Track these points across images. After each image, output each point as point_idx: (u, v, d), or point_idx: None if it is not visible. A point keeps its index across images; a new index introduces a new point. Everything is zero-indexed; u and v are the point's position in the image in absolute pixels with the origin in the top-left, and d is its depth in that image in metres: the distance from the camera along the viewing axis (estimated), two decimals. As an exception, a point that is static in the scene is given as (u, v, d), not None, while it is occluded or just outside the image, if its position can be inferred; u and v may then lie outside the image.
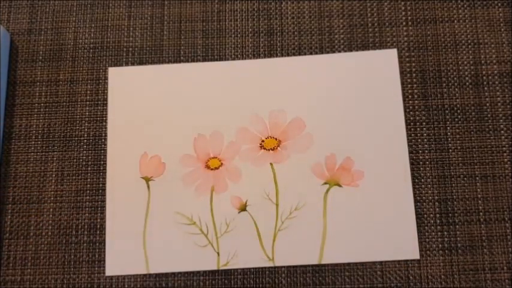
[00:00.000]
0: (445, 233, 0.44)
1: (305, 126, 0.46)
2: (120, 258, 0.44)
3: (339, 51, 0.48)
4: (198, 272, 0.44)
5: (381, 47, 0.48)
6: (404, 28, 0.49)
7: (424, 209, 0.44)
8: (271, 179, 0.45)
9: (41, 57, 0.49)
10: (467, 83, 0.47)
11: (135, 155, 0.46)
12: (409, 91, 0.47)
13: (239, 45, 0.49)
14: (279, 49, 0.49)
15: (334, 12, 0.50)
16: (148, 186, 0.46)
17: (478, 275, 0.43)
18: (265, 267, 0.44)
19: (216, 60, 0.49)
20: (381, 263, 0.43)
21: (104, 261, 0.44)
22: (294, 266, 0.44)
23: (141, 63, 0.49)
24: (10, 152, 0.47)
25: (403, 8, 0.49)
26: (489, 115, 0.46)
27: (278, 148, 0.46)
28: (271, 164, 0.46)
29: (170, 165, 0.46)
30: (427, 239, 0.44)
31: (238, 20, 0.50)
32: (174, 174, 0.46)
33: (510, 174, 0.45)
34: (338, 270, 0.43)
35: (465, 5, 0.49)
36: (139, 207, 0.45)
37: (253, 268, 0.44)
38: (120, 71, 0.49)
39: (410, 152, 0.46)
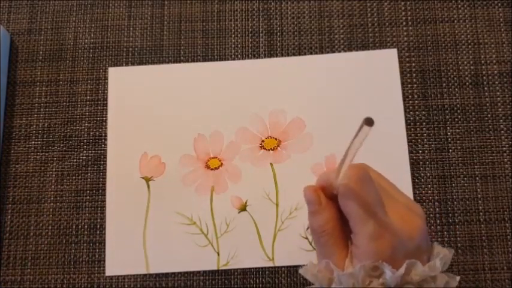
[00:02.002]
0: (445, 233, 0.44)
1: (305, 126, 0.46)
2: (120, 258, 0.44)
3: (339, 51, 0.48)
4: (198, 272, 0.44)
5: (381, 47, 0.48)
6: (404, 28, 0.49)
7: (424, 209, 0.44)
8: (271, 179, 0.45)
9: (41, 57, 0.49)
10: (467, 83, 0.47)
11: (135, 155, 0.46)
12: (409, 91, 0.47)
13: (239, 45, 0.49)
14: (279, 49, 0.49)
15: (334, 12, 0.50)
16: (148, 186, 0.46)
17: (478, 275, 0.43)
18: (265, 267, 0.44)
19: (216, 60, 0.49)
20: (381, 263, 0.43)
21: (104, 261, 0.44)
22: (294, 266, 0.44)
23: (141, 63, 0.49)
24: (10, 152, 0.47)
25: (403, 8, 0.49)
26: (489, 115, 0.46)
27: (278, 148, 0.46)
28: (271, 164, 0.46)
29: (170, 165, 0.46)
30: (427, 239, 0.44)
31: (238, 20, 0.50)
32: (174, 174, 0.46)
33: (510, 174, 0.45)
34: (338, 270, 0.43)
35: (465, 5, 0.49)
36: (139, 207, 0.45)
37: (253, 268, 0.44)
38: (120, 71, 0.49)
39: (410, 152, 0.46)
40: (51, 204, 0.46)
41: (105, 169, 0.46)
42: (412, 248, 0.29)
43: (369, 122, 0.24)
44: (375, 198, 0.30)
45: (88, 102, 0.48)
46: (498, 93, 0.47)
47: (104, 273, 0.44)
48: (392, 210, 0.30)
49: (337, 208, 0.31)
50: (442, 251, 0.31)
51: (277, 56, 0.49)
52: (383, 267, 0.28)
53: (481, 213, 0.44)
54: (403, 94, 0.47)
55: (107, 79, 0.49)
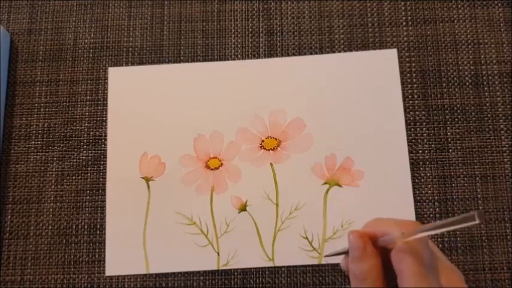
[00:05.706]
0: (445, 233, 0.44)
1: (305, 126, 0.46)
2: (120, 258, 0.44)
3: (339, 51, 0.48)
4: (198, 272, 0.44)
5: (381, 47, 0.48)
6: (404, 28, 0.49)
7: (424, 209, 0.44)
8: (271, 179, 0.45)
9: (41, 57, 0.49)
10: (467, 83, 0.47)
11: (135, 155, 0.46)
12: (409, 91, 0.47)
13: (239, 45, 0.49)
14: (279, 49, 0.49)
15: (334, 12, 0.50)
16: (148, 186, 0.46)
17: (478, 275, 0.43)
18: (265, 267, 0.44)
19: (216, 60, 0.49)
20: (381, 263, 0.43)
21: (104, 261, 0.44)
22: (294, 266, 0.44)
23: (141, 63, 0.49)
24: (10, 152, 0.47)
25: (403, 8, 0.49)
26: (489, 115, 0.46)
27: (278, 148, 0.46)
28: (271, 164, 0.46)
29: (170, 165, 0.46)
30: (427, 239, 0.44)
31: (238, 20, 0.50)
32: (174, 174, 0.46)
33: (510, 174, 0.45)
34: (338, 270, 0.43)
35: (465, 5, 0.49)
36: (139, 207, 0.45)
37: (253, 268, 0.44)
38: (120, 71, 0.49)
39: (410, 152, 0.46)
40: (51, 204, 0.46)
41: (105, 169, 0.46)
42: None
43: (481, 216, 0.24)
44: (430, 260, 0.30)
45: (88, 102, 0.48)
46: (498, 93, 0.47)
47: (104, 273, 0.44)
48: (441, 273, 0.30)
49: (381, 257, 0.31)
50: None
51: (277, 56, 0.49)
52: None
53: (481, 213, 0.44)
54: (403, 94, 0.47)
55: (107, 79, 0.49)
